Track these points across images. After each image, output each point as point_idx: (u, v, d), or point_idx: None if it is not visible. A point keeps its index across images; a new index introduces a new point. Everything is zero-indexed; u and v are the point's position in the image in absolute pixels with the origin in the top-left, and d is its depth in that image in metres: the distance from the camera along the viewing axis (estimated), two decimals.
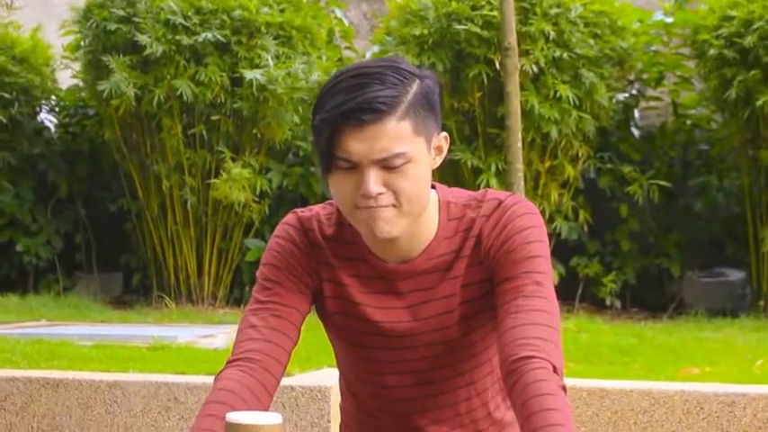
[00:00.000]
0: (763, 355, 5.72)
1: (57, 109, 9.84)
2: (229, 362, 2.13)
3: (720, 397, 4.55)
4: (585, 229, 8.47)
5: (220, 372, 2.13)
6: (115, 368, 4.98)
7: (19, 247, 9.32)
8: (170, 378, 4.67)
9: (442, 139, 2.15)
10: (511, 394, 2.00)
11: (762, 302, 7.88)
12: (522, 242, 2.11)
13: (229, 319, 7.28)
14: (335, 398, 4.44)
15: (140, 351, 5.50)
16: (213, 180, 8.18)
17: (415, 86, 2.05)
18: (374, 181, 2.03)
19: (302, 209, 2.28)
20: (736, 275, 8.65)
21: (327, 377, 4.65)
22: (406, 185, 2.05)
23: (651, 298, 8.61)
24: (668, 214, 8.71)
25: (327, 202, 2.27)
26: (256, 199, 8.20)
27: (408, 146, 2.04)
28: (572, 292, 8.34)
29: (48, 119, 9.90)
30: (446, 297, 2.15)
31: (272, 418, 1.73)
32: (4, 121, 9.15)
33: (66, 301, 8.57)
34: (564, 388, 2.00)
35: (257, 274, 2.23)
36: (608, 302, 8.38)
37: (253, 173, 8.11)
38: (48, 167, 9.53)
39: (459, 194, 2.20)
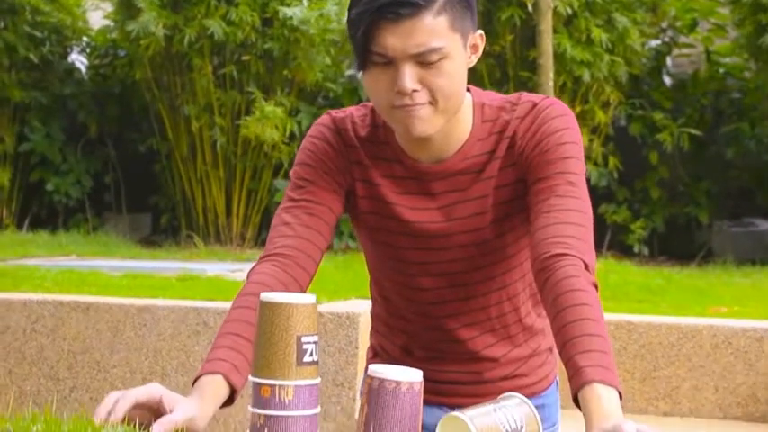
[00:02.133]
0: None
1: (87, 50, 9.85)
2: (262, 257, 2.13)
3: (749, 332, 4.55)
4: (615, 176, 8.43)
5: (253, 267, 2.13)
6: (144, 296, 5.01)
7: (49, 187, 9.37)
8: (199, 303, 4.70)
9: (478, 37, 2.13)
10: (542, 291, 1.99)
11: None
12: (557, 143, 2.09)
13: (258, 258, 7.29)
14: (363, 325, 4.46)
15: (169, 281, 5.53)
16: (245, 118, 8.18)
17: None
18: (410, 77, 2.01)
19: (336, 110, 2.28)
20: (765, 225, 8.60)
21: (356, 306, 4.66)
22: (442, 82, 2.03)
23: (679, 246, 8.58)
24: (698, 162, 8.67)
25: (361, 104, 2.26)
26: (286, 140, 8.20)
27: (445, 41, 2.02)
28: (600, 239, 8.32)
29: (78, 59, 9.93)
30: (479, 198, 2.13)
31: (306, 297, 1.73)
32: (36, 60, 9.17)
33: (95, 238, 8.62)
34: (595, 285, 1.99)
35: (291, 173, 2.22)
36: (636, 250, 8.35)
37: (284, 113, 8.11)
38: (78, 108, 9.56)
39: (494, 97, 2.19)
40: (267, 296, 1.72)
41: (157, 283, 5.39)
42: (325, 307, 4.58)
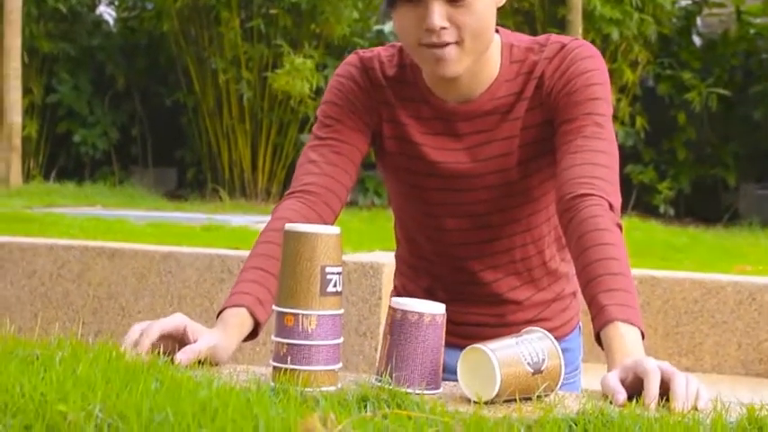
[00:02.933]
0: None
1: (116, 2, 9.86)
2: (288, 194, 2.14)
3: None
4: (642, 136, 8.39)
5: (278, 203, 2.13)
6: (169, 243, 5.03)
7: (76, 138, 9.41)
8: (223, 251, 4.72)
9: None
10: (566, 231, 1.99)
11: None
12: (584, 84, 2.07)
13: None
14: (387, 276, 4.47)
15: (194, 230, 5.55)
16: (274, 71, 8.17)
17: None
18: (438, 14, 2.00)
19: (364, 50, 2.27)
20: None
21: (380, 257, 4.67)
22: (470, 21, 2.02)
23: (705, 208, 8.55)
24: (726, 124, 8.61)
25: (389, 44, 2.26)
26: (312, 95, 8.20)
27: None
28: (626, 199, 8.29)
29: (107, 11, 9.94)
30: (506, 139, 2.13)
31: (331, 228, 1.74)
32: (64, 10, 9.18)
33: (121, 190, 8.65)
34: (620, 226, 1.99)
35: (317, 112, 2.22)
36: (661, 210, 8.33)
37: (313, 66, 8.09)
38: (106, 60, 9.58)
39: (522, 38, 2.18)
40: (292, 226, 1.73)
41: (182, 232, 5.41)
42: (350, 257, 4.59)
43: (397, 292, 2.37)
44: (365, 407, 1.51)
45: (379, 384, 1.64)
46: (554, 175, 2.10)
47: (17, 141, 8.36)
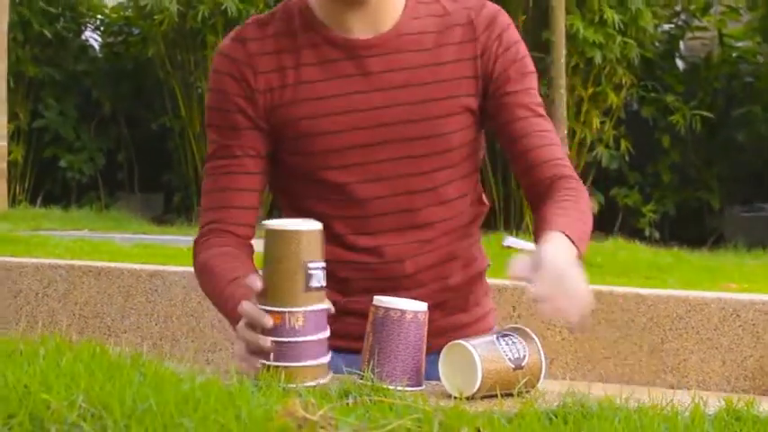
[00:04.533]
0: None
1: (101, 28, 9.89)
2: (203, 229, 2.03)
3: (757, 305, 4.55)
4: (626, 159, 8.43)
5: (200, 238, 2.04)
6: (156, 263, 5.04)
7: (62, 163, 9.42)
8: None
9: None
10: (543, 200, 1.98)
11: None
12: (524, 55, 2.07)
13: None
14: None
15: (181, 251, 5.55)
16: None
17: None
18: None
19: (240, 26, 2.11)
20: None
21: None
22: None
23: (690, 231, 8.58)
24: (710, 147, 8.67)
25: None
26: None
27: None
28: (611, 222, 8.33)
29: (92, 37, 9.97)
30: (422, 85, 2.00)
31: (312, 224, 1.74)
32: (49, 35, 9.21)
33: (108, 215, 8.66)
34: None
35: (205, 119, 2.08)
36: (647, 233, 8.36)
37: None
38: (92, 85, 9.60)
39: None
40: (272, 223, 1.74)
41: (169, 253, 5.42)
42: None
43: None
44: (347, 399, 1.53)
45: (361, 381, 1.65)
46: (474, 141, 2.06)
47: (3, 166, 8.37)
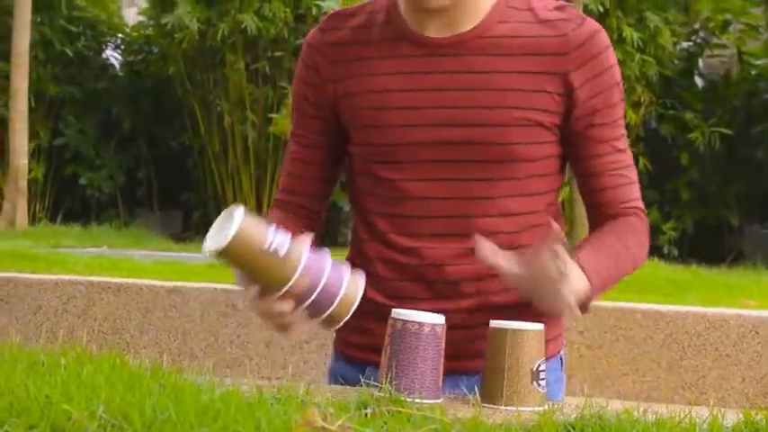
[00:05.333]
0: None
1: (122, 46, 9.95)
2: (275, 200, 2.11)
3: None
4: (646, 176, 8.42)
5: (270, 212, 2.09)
6: (174, 279, 5.05)
7: (82, 181, 9.46)
8: (228, 286, 4.74)
9: None
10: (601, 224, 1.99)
11: None
12: (616, 82, 1.95)
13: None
14: None
15: (199, 267, 5.57)
16: (274, 115, 8.23)
17: None
18: None
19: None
20: None
21: None
22: None
23: (709, 249, 8.56)
24: (729, 164, 8.65)
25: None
26: None
27: None
28: None
29: (113, 56, 10.03)
30: (500, 91, 1.92)
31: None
32: (71, 54, 9.27)
33: (127, 232, 8.69)
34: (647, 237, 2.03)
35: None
36: (665, 251, 8.34)
37: None
38: (112, 103, 9.65)
39: None
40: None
41: (187, 269, 5.44)
42: None
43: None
44: (365, 410, 1.53)
45: (379, 393, 1.66)
46: (548, 160, 1.98)
47: (23, 184, 8.42)
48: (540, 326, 1.76)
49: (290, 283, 1.73)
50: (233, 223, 1.71)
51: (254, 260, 1.72)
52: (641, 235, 2.01)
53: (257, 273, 1.74)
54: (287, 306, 1.74)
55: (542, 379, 1.72)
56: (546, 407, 1.69)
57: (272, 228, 1.74)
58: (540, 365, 1.72)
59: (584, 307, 1.88)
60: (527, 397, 1.70)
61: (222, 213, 1.76)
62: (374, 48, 1.98)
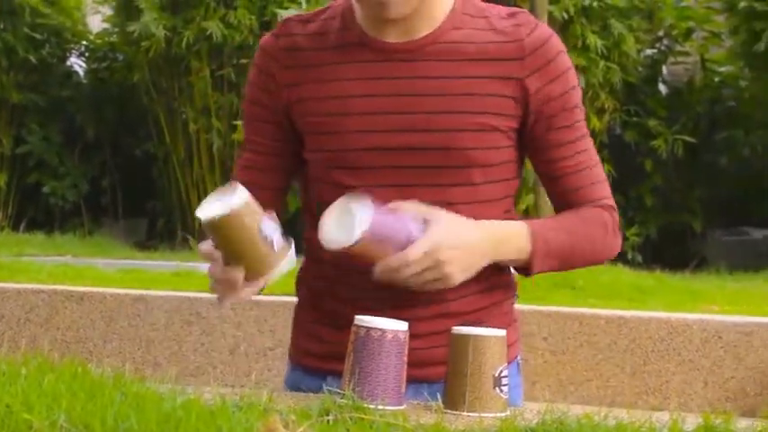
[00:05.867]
0: None
1: (86, 54, 9.90)
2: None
3: (739, 326, 4.57)
4: (609, 183, 8.45)
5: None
6: (138, 287, 5.03)
7: (46, 189, 9.40)
8: (192, 294, 4.73)
9: None
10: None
11: None
12: (572, 85, 1.98)
13: None
14: None
15: (164, 275, 5.56)
16: (239, 122, 8.21)
17: None
18: None
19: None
20: (758, 234, 8.64)
21: None
22: None
23: (672, 255, 8.60)
24: (693, 170, 8.71)
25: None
26: None
27: None
28: None
29: (77, 63, 9.97)
30: (457, 95, 1.93)
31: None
32: (35, 61, 9.21)
33: (91, 240, 8.64)
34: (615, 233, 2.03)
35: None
36: (629, 257, 8.38)
37: None
38: (76, 111, 9.59)
39: None
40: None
41: (152, 277, 5.42)
42: None
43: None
44: (327, 417, 1.54)
45: (342, 400, 1.66)
46: (503, 166, 1.99)
47: None
48: (502, 332, 1.77)
49: (271, 273, 1.75)
50: (236, 196, 1.71)
51: (247, 239, 1.73)
52: (608, 226, 2.02)
53: (243, 251, 1.74)
54: (241, 277, 1.76)
55: (504, 385, 1.73)
56: (508, 413, 1.70)
57: (265, 215, 1.76)
58: (502, 371, 1.73)
59: (527, 269, 1.92)
60: (489, 403, 1.71)
61: (221, 188, 1.75)
62: (330, 53, 1.98)
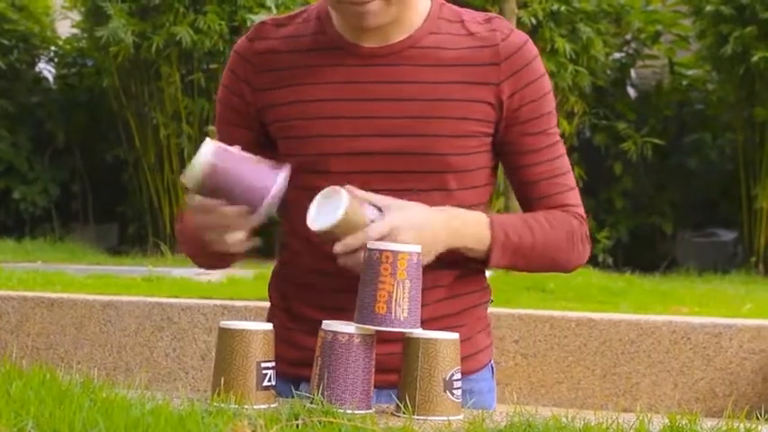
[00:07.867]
0: (752, 301, 5.76)
1: (55, 59, 9.86)
2: None
3: (707, 328, 4.61)
4: (579, 186, 8.49)
5: None
6: (109, 293, 5.02)
7: (15, 195, 9.36)
8: (163, 299, 4.72)
9: None
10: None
11: (753, 259, 7.94)
12: (546, 91, 1.99)
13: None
14: None
15: (135, 281, 5.55)
16: (210, 127, 8.21)
17: None
18: None
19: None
20: (728, 235, 8.71)
21: None
22: None
23: (643, 257, 8.64)
24: (662, 173, 8.76)
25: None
26: None
27: None
28: None
29: (46, 69, 9.93)
30: (433, 101, 1.93)
31: (264, 325, 1.77)
32: (3, 67, 9.17)
33: (62, 246, 8.60)
34: (582, 241, 2.03)
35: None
36: (600, 259, 8.41)
37: None
38: (45, 117, 9.55)
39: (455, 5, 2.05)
40: (227, 324, 1.77)
41: (123, 283, 5.41)
42: None
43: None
44: (296, 421, 1.54)
45: (311, 405, 1.66)
46: (478, 172, 2.00)
47: None
48: (454, 335, 1.77)
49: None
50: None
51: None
52: (575, 233, 2.02)
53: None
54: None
55: (457, 388, 1.73)
56: (461, 416, 1.70)
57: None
58: (453, 375, 1.73)
59: (486, 263, 1.93)
60: (440, 406, 1.71)
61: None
62: (305, 56, 1.98)
